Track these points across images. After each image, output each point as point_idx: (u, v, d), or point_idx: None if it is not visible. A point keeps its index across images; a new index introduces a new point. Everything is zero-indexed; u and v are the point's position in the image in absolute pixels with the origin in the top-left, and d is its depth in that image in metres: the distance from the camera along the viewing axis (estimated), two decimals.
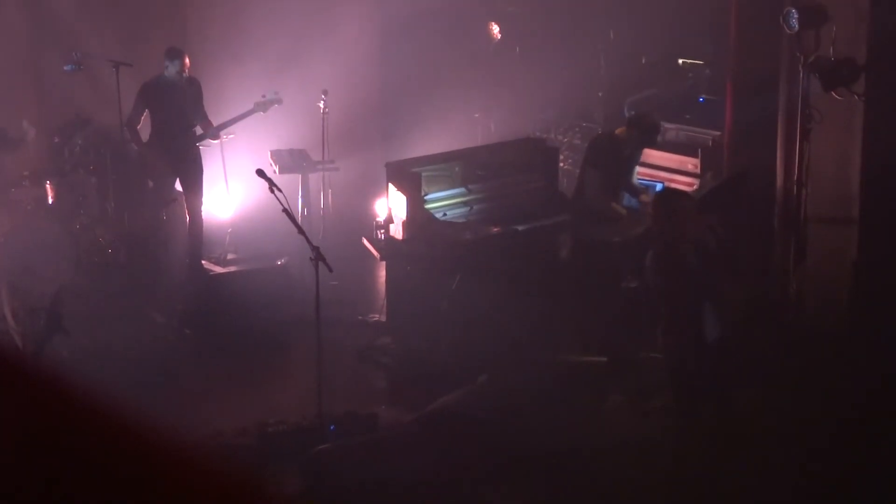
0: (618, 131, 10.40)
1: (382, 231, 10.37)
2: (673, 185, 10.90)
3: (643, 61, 12.26)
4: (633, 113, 10.56)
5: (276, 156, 12.09)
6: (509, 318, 9.48)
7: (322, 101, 12.25)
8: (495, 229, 10.12)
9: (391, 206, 10.32)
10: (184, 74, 11.46)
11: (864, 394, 8.34)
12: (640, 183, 10.98)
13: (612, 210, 10.16)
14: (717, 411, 7.83)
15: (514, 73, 13.51)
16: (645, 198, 10.34)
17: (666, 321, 7.62)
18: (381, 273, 11.29)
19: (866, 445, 7.89)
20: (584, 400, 8.73)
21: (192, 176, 11.59)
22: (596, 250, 10.03)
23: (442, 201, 10.30)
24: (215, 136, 11.71)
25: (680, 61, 11.89)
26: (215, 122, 11.66)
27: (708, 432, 7.80)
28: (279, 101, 11.84)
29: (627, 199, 10.74)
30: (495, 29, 13.72)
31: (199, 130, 11.69)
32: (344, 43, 13.73)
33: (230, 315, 10.72)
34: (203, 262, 11.69)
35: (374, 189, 11.53)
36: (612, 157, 10.14)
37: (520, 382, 8.69)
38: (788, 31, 9.17)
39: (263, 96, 11.81)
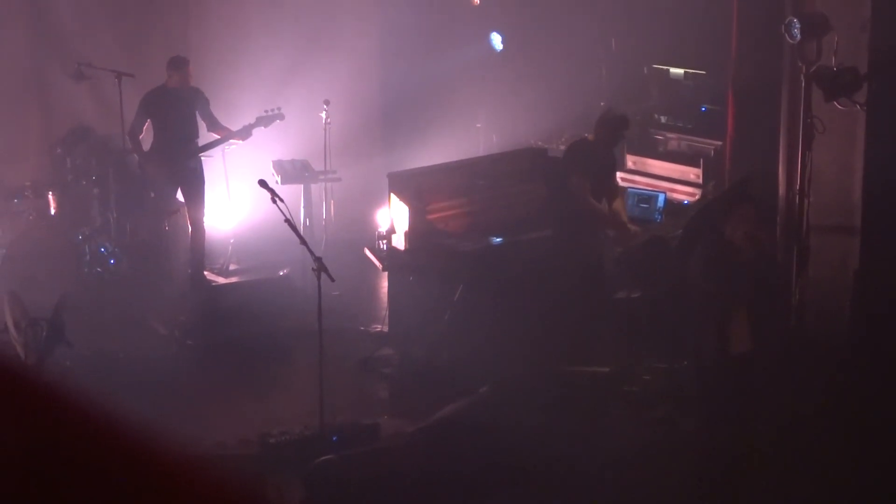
0: (590, 136, 10.33)
1: (384, 241, 10.37)
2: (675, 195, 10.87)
3: (644, 71, 12.25)
4: (599, 115, 10.47)
5: (279, 166, 12.09)
6: (511, 329, 9.47)
7: (324, 112, 12.25)
8: (497, 239, 10.11)
9: (393, 217, 10.32)
10: (187, 84, 11.47)
11: (866, 403, 8.33)
12: (642, 192, 10.97)
13: (605, 213, 10.08)
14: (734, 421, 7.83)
15: (516, 82, 13.51)
16: (618, 204, 10.27)
17: (699, 326, 7.62)
18: (384, 283, 11.29)
19: (869, 455, 7.88)
20: (586, 410, 8.72)
21: (194, 186, 11.59)
22: (594, 260, 10.00)
23: (444, 211, 10.30)
24: (246, 136, 11.65)
25: (682, 71, 11.88)
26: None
27: (719, 441, 7.81)
28: (281, 117, 11.83)
29: (630, 209, 10.72)
30: (498, 39, 13.73)
31: (205, 139, 11.69)
32: (346, 53, 13.74)
33: (232, 326, 10.72)
34: (205, 272, 11.70)
35: (376, 199, 11.53)
36: (592, 161, 10.06)
37: (522, 393, 8.69)
38: (790, 41, 9.17)
39: (266, 111, 11.81)
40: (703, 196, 10.87)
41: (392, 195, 10.29)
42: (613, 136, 10.14)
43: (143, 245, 11.96)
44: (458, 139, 13.11)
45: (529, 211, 10.53)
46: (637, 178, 11.57)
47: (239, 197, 12.40)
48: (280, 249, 11.13)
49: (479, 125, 13.79)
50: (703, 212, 9.32)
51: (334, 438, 8.17)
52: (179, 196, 11.73)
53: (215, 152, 11.96)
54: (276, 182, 11.48)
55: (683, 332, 8.84)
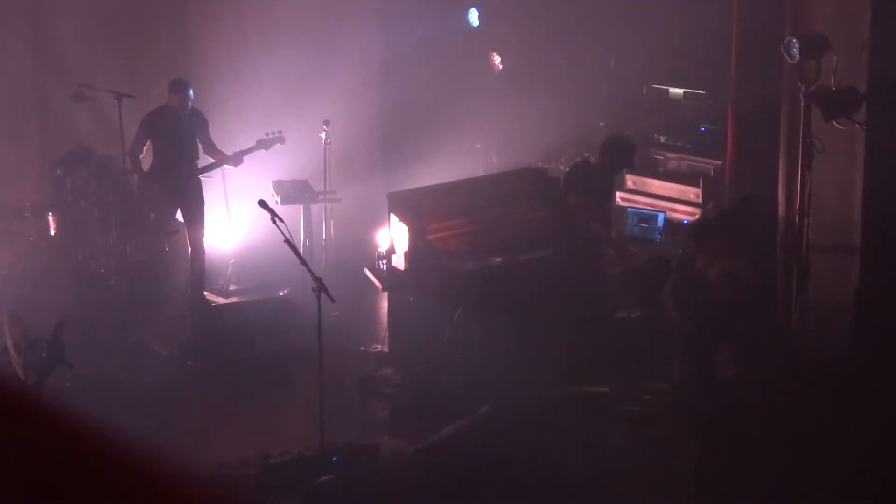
0: (592, 159, 10.33)
1: (384, 261, 10.37)
2: (698, 217, 10.83)
3: (644, 91, 12.27)
4: (605, 139, 10.46)
5: (278, 186, 12.10)
6: (511, 349, 9.46)
7: (324, 132, 12.27)
8: (497, 259, 10.11)
9: (393, 237, 10.32)
10: (188, 106, 11.47)
11: (867, 422, 8.32)
12: (641, 212, 10.97)
13: (605, 233, 10.09)
14: (724, 444, 7.81)
15: (516, 102, 13.53)
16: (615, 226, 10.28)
17: (680, 353, 7.61)
18: (383, 303, 11.28)
19: (870, 475, 7.86)
20: (587, 430, 8.70)
21: (194, 207, 11.59)
22: (594, 280, 10.00)
23: (444, 231, 10.30)
24: (237, 162, 11.71)
25: (681, 91, 11.90)
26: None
27: (714, 462, 7.79)
28: (282, 141, 11.88)
29: (630, 229, 10.73)
30: (496, 59, 13.74)
31: (200, 162, 11.71)
32: (345, 74, 13.76)
33: (232, 346, 10.71)
34: (205, 292, 11.69)
35: (375, 219, 11.53)
36: (592, 184, 10.06)
37: (522, 413, 8.67)
38: (790, 61, 9.19)
39: (267, 134, 11.84)
40: (702, 215, 10.87)
41: (392, 215, 10.29)
42: (620, 162, 10.15)
43: (143, 265, 11.96)
44: (458, 159, 13.11)
45: (529, 231, 10.52)
46: (637, 197, 11.58)
47: (239, 217, 12.40)
48: (280, 270, 11.12)
49: (478, 145, 13.80)
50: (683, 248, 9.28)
51: (334, 458, 8.16)
52: (179, 216, 11.74)
53: (215, 173, 11.99)
54: (276, 202, 11.50)
55: (673, 356, 8.83)
